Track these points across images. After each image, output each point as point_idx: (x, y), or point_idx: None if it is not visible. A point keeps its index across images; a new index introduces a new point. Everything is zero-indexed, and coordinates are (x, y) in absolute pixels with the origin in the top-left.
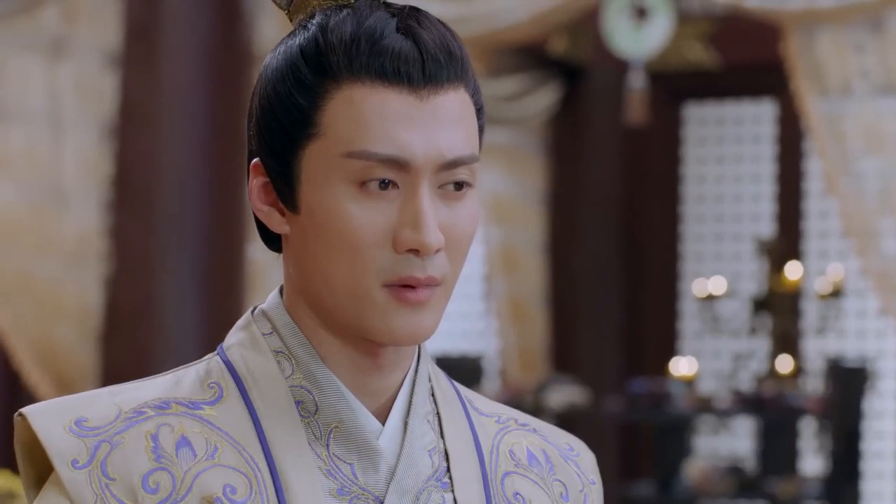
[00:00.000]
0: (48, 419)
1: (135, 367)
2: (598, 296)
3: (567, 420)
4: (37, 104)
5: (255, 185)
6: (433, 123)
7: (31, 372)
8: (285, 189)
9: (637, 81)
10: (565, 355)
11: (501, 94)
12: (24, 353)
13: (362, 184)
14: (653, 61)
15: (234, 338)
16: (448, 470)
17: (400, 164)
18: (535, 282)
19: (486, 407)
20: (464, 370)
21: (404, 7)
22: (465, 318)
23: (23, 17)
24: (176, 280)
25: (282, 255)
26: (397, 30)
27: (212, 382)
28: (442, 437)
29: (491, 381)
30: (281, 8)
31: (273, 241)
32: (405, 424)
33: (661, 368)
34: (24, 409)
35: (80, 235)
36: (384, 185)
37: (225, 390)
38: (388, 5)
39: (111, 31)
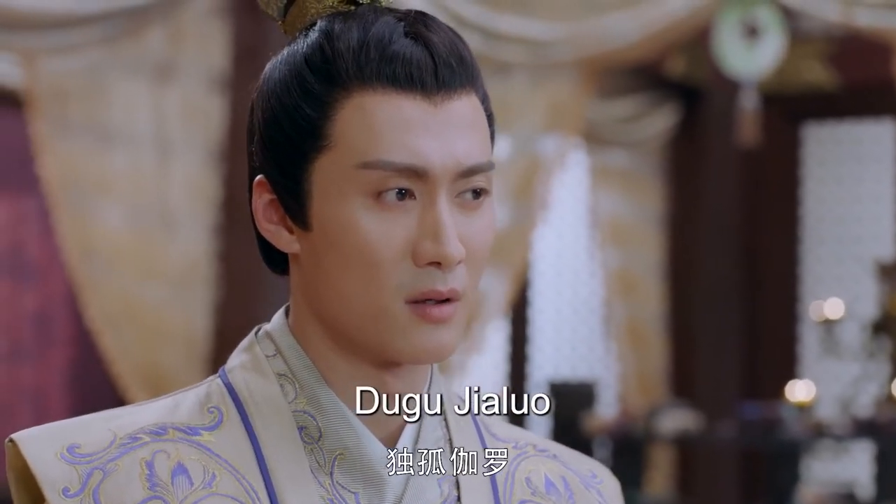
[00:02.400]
0: (39, 446)
1: None
2: (717, 319)
3: (679, 445)
4: (143, 128)
5: (259, 204)
6: (448, 130)
7: (137, 398)
8: (294, 205)
9: (749, 101)
10: (684, 379)
11: (618, 116)
12: (130, 379)
13: (378, 195)
14: (771, 82)
15: (236, 360)
16: (459, 499)
17: (417, 173)
18: (653, 305)
19: (503, 432)
20: (577, 396)
21: (410, 11)
22: (583, 342)
23: (128, 40)
24: (284, 304)
25: (289, 276)
26: (406, 34)
27: (211, 407)
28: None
29: (607, 406)
30: (275, 19)
31: (276, 262)
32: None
33: (780, 393)
34: (15, 435)
35: (187, 260)
36: (401, 195)
37: (225, 415)
38: (393, 10)
39: (218, 53)
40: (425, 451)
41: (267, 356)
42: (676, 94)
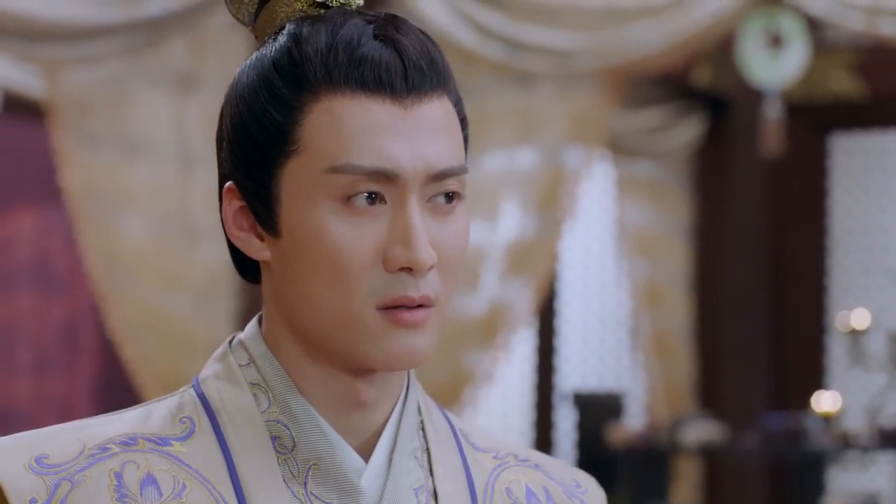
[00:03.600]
0: (7, 456)
1: None
2: (744, 330)
3: (706, 457)
4: (165, 138)
5: (229, 211)
6: (419, 133)
7: None
8: (264, 212)
9: (773, 111)
10: (711, 390)
11: (644, 126)
12: (153, 390)
13: (348, 199)
14: (798, 92)
15: (209, 369)
16: None
17: (387, 177)
18: (680, 316)
19: (483, 442)
20: (602, 407)
21: (380, 13)
22: (610, 353)
23: (150, 50)
24: None
25: (262, 285)
26: (375, 37)
27: (183, 417)
28: (431, 474)
29: (634, 417)
30: (244, 25)
31: (248, 270)
32: (390, 461)
33: (807, 403)
34: None
35: (210, 271)
36: (371, 199)
37: (197, 425)
38: (363, 13)
39: (240, 63)
40: (402, 461)
41: (240, 365)
42: (703, 105)
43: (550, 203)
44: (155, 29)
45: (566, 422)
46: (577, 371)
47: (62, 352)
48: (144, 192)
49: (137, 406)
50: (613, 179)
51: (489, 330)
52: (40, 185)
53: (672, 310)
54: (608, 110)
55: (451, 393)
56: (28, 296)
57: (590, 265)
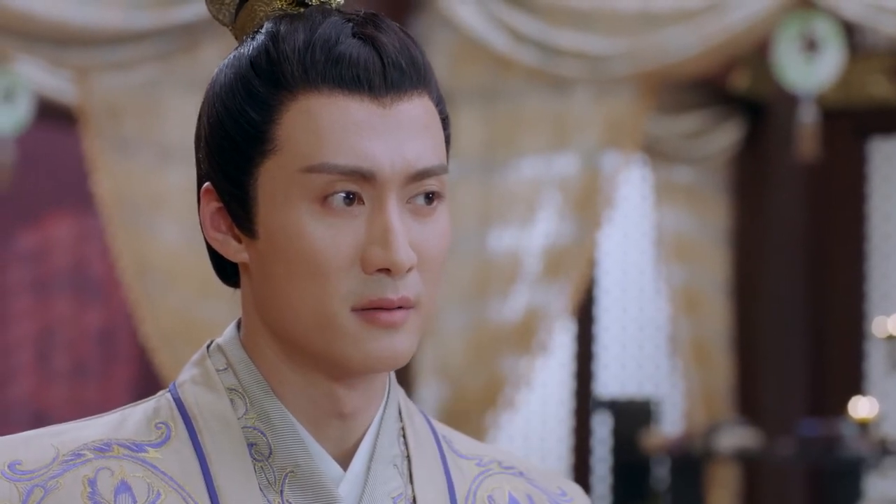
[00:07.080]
0: None
1: None
2: (782, 336)
3: (743, 463)
4: None
5: (207, 212)
6: (398, 132)
7: None
8: (241, 213)
9: (809, 115)
10: (749, 396)
11: (682, 131)
12: None
13: (324, 200)
14: (837, 97)
15: (186, 374)
16: None
17: (365, 176)
18: (718, 322)
19: (466, 448)
20: (635, 413)
21: (360, 11)
22: (649, 359)
23: (182, 56)
24: None
25: (241, 288)
26: (353, 35)
27: (159, 422)
28: (411, 482)
29: (672, 423)
30: (224, 24)
31: (228, 274)
32: (368, 469)
33: (845, 410)
34: None
35: None
36: (349, 199)
37: (173, 431)
38: (342, 11)
39: None
40: (380, 469)
41: (218, 370)
42: (741, 110)
43: (587, 208)
44: (188, 34)
45: (603, 428)
46: (616, 377)
47: (98, 357)
48: (177, 197)
49: (114, 411)
50: (651, 185)
51: (525, 335)
52: (76, 191)
53: (710, 316)
54: (644, 115)
55: (487, 397)
56: (65, 302)
57: (628, 271)
